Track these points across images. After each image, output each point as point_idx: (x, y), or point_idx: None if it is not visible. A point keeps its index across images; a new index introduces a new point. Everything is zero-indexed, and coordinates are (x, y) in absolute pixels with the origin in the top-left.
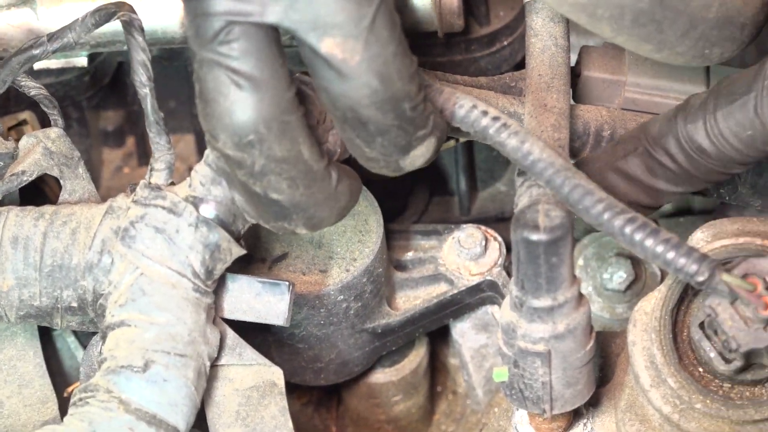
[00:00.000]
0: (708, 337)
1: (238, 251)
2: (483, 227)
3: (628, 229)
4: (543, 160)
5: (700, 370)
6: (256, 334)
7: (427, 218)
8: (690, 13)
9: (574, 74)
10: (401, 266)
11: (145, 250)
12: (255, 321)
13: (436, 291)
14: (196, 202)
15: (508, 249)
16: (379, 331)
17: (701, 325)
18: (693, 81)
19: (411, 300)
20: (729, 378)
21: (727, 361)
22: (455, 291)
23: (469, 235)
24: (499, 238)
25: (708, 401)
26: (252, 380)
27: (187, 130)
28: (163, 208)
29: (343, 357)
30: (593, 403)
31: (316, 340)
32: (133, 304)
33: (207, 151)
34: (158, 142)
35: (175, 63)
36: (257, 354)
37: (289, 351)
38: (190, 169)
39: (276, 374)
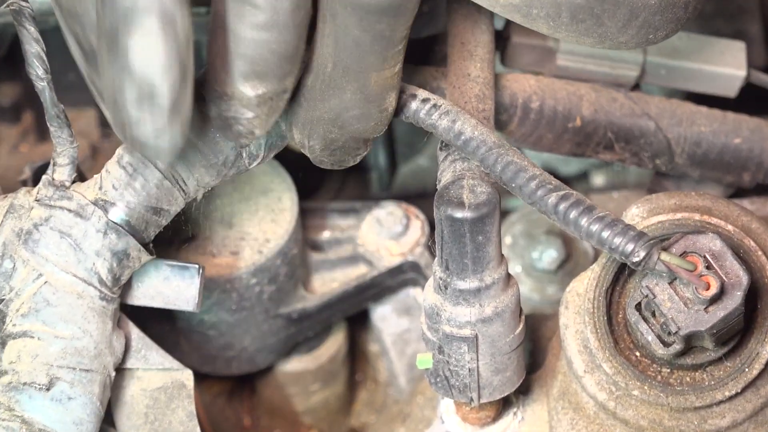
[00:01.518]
0: (645, 319)
1: (147, 258)
2: (404, 204)
3: (561, 207)
4: (475, 139)
5: (637, 354)
6: (164, 321)
7: (344, 195)
8: (630, 3)
9: (503, 38)
10: (317, 247)
11: (50, 255)
12: (164, 307)
13: (355, 273)
14: (106, 206)
15: (431, 227)
16: (295, 316)
17: (638, 307)
18: None
19: (328, 283)
20: (668, 362)
21: (666, 344)
22: (375, 273)
23: (389, 212)
24: (422, 216)
25: (646, 387)
26: (160, 380)
27: (88, 104)
28: (69, 210)
29: (256, 344)
30: (524, 391)
31: (227, 327)
32: (37, 314)
33: (120, 151)
34: (60, 136)
35: None
36: (164, 355)
37: (199, 339)
38: (93, 147)
39: (185, 375)
